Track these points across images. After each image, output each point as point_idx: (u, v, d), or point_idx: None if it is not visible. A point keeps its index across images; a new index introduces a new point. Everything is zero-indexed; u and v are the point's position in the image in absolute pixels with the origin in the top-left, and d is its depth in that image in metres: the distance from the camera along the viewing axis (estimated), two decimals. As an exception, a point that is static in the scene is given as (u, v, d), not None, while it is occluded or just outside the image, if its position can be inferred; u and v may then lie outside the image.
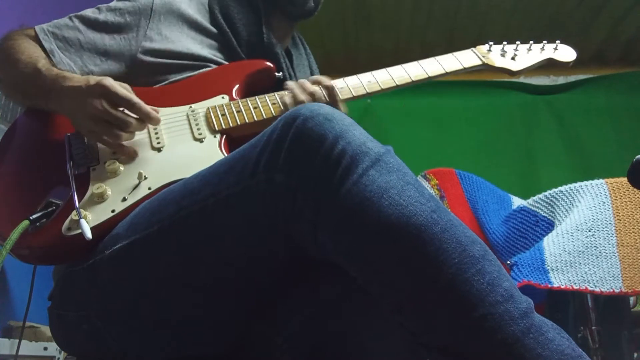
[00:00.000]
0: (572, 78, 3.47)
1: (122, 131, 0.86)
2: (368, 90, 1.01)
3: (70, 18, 1.03)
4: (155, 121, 0.89)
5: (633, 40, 3.44)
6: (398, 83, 1.03)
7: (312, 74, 1.19)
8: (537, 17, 3.27)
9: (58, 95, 0.88)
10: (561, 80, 3.49)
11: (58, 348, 1.84)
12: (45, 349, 1.82)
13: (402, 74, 1.03)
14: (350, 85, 1.00)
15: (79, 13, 1.03)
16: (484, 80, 3.33)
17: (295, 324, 0.75)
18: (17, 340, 1.63)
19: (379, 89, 1.01)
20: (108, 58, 1.00)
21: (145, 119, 0.88)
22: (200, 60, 1.03)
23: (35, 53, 0.95)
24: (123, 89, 0.86)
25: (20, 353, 1.62)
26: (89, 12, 1.03)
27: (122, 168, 0.86)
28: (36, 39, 0.98)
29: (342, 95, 0.99)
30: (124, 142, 0.87)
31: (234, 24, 1.08)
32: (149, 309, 0.75)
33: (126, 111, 0.86)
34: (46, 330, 1.84)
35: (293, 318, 0.75)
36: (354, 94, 1.00)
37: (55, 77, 0.89)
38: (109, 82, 0.85)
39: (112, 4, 1.05)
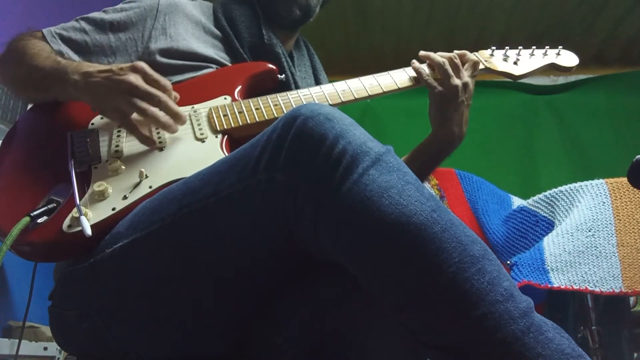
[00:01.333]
0: (572, 78, 3.47)
1: (153, 107, 0.86)
2: (370, 93, 1.01)
3: (77, 20, 1.04)
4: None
5: (633, 40, 3.44)
6: (400, 86, 1.04)
7: (315, 74, 1.20)
8: (537, 18, 3.27)
9: (83, 78, 0.87)
10: (561, 80, 3.49)
11: (58, 348, 1.84)
12: (45, 349, 1.82)
13: (404, 77, 1.05)
14: (353, 87, 1.01)
15: (84, 15, 1.04)
16: (484, 80, 3.33)
17: (295, 324, 0.75)
18: (17, 340, 1.64)
19: (380, 91, 1.02)
20: (115, 59, 1.01)
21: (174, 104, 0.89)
22: (205, 61, 1.04)
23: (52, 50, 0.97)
24: (155, 73, 0.88)
25: (20, 353, 1.62)
26: (95, 14, 1.05)
27: (123, 167, 0.86)
28: (44, 41, 0.99)
29: (344, 97, 0.99)
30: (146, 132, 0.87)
31: (237, 26, 1.09)
32: (150, 308, 0.75)
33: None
34: (46, 330, 1.84)
35: (293, 318, 0.75)
36: (356, 97, 1.00)
37: (78, 64, 0.90)
38: (143, 63, 0.87)
39: (118, 6, 1.06)
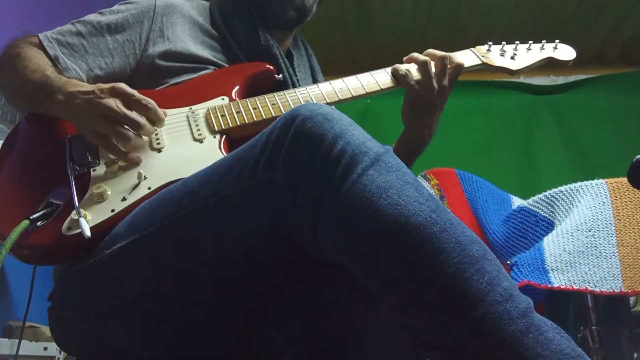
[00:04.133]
0: (572, 78, 3.47)
1: (133, 132, 0.86)
2: (367, 91, 1.01)
3: (72, 24, 1.03)
4: (162, 124, 0.90)
5: (633, 40, 3.44)
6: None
7: (313, 74, 1.20)
8: (537, 18, 3.27)
9: (67, 99, 0.87)
10: (561, 80, 3.50)
11: (58, 348, 1.84)
12: (45, 349, 1.82)
13: None
14: (350, 86, 1.01)
15: (81, 19, 1.04)
16: (484, 80, 3.34)
17: (295, 324, 0.75)
18: (17, 340, 1.64)
19: (378, 89, 1.02)
20: (112, 61, 1.01)
21: (157, 121, 0.89)
22: (203, 62, 1.04)
23: (42, 61, 0.96)
24: (136, 92, 0.87)
25: (20, 353, 1.62)
26: (92, 17, 1.04)
27: (122, 169, 0.86)
28: (40, 47, 0.99)
29: (341, 96, 0.99)
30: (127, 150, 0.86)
31: (234, 26, 1.09)
32: (149, 309, 0.75)
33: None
34: (46, 330, 1.84)
35: (293, 318, 0.75)
36: (353, 94, 1.00)
37: (64, 83, 0.90)
38: (124, 85, 0.86)
39: (114, 8, 1.06)
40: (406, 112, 1.06)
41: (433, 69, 1.01)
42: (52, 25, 1.04)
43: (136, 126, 0.86)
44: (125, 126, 0.85)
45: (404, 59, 1.05)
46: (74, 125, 0.90)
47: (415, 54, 1.03)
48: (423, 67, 1.01)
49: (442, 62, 1.02)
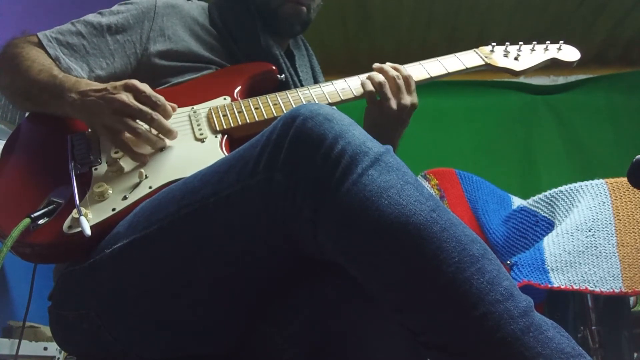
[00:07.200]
0: (572, 78, 3.47)
1: (145, 125, 0.86)
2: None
3: (72, 23, 1.03)
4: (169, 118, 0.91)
5: (633, 40, 3.44)
6: None
7: (314, 75, 1.20)
8: (537, 18, 3.27)
9: (80, 97, 0.87)
10: (561, 80, 3.50)
11: (58, 348, 1.84)
12: (45, 349, 1.82)
13: None
14: (352, 86, 1.01)
15: (81, 18, 1.03)
16: (484, 80, 3.34)
17: (295, 324, 0.75)
18: (17, 340, 1.64)
19: None
20: (114, 61, 1.01)
21: (166, 117, 0.89)
22: (202, 62, 1.04)
23: (47, 60, 0.96)
24: (147, 88, 0.88)
25: (20, 353, 1.62)
26: (91, 17, 1.04)
27: (123, 167, 0.86)
28: (40, 46, 0.98)
29: (343, 96, 0.99)
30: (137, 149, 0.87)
31: (233, 27, 1.09)
32: (149, 308, 0.75)
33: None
34: (46, 330, 1.84)
35: (293, 318, 0.75)
36: (355, 94, 1.00)
37: (76, 82, 0.90)
38: (136, 81, 0.87)
39: (114, 8, 1.06)
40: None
41: (389, 90, 0.99)
42: (52, 25, 1.03)
43: (149, 119, 0.86)
44: (138, 121, 0.86)
45: (374, 66, 1.03)
46: (85, 123, 0.90)
47: (372, 74, 1.01)
48: (379, 88, 0.99)
49: (394, 81, 1.00)
